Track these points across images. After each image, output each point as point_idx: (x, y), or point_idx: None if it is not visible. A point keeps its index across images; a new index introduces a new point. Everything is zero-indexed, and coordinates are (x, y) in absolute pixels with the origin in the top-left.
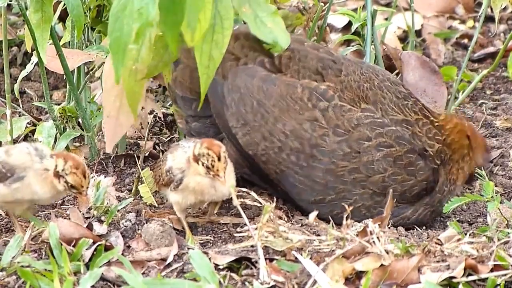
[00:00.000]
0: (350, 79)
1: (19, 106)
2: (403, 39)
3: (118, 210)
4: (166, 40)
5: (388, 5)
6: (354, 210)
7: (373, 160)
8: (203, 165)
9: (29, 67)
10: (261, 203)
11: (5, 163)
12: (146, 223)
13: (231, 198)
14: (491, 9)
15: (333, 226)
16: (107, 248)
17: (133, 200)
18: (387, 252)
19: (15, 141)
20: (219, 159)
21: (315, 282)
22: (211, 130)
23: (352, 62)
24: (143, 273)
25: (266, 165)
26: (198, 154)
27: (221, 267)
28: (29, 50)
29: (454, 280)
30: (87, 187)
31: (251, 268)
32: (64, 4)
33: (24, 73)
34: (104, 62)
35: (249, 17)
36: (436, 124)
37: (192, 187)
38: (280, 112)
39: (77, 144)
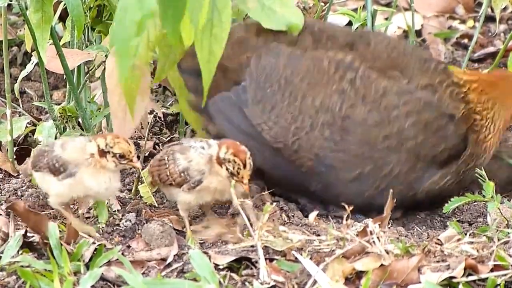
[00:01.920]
0: (378, 48)
1: (19, 106)
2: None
3: (119, 210)
4: (168, 37)
5: (388, 5)
6: (392, 179)
7: (403, 127)
8: (227, 170)
9: (29, 67)
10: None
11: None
12: (146, 223)
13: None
14: (491, 9)
15: (333, 226)
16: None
17: (133, 200)
18: (387, 252)
19: (15, 141)
20: (244, 166)
21: (315, 282)
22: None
23: (378, 34)
24: (143, 273)
25: (298, 154)
26: (223, 159)
27: (221, 267)
28: (29, 50)
29: (454, 280)
30: (135, 153)
31: (251, 268)
32: (64, 4)
33: (24, 73)
34: (104, 61)
35: (256, 11)
36: (461, 84)
37: (214, 187)
38: (308, 87)
39: None
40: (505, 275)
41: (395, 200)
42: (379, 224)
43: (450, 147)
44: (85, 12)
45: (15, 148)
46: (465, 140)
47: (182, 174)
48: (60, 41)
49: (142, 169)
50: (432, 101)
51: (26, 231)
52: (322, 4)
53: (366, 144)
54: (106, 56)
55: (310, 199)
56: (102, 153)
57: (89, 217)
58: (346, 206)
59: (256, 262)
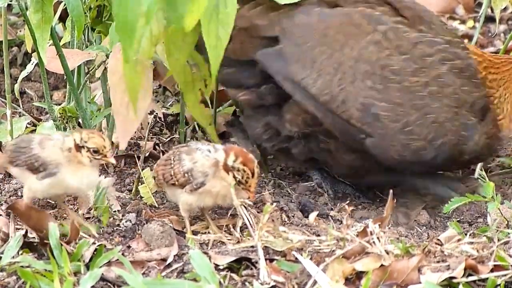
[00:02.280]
0: (404, 5)
1: (19, 106)
2: None
3: (119, 210)
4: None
5: None
6: (439, 127)
7: (440, 73)
8: (235, 178)
9: (29, 67)
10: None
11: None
12: (146, 223)
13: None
14: (491, 9)
15: (333, 226)
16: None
17: (134, 200)
18: (387, 252)
19: None
20: (253, 175)
21: (315, 282)
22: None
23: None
24: (143, 273)
25: (345, 105)
26: (232, 167)
27: (221, 267)
28: (29, 51)
29: (454, 281)
30: (110, 148)
31: (251, 269)
32: (64, 5)
33: (24, 73)
34: (104, 61)
35: None
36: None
37: (216, 191)
38: (345, 38)
39: None
40: (505, 275)
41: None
42: (379, 225)
43: (482, 96)
44: (85, 13)
45: None
46: (487, 101)
47: (186, 175)
48: (60, 41)
49: (142, 169)
50: (458, 52)
51: (26, 231)
52: None
53: (408, 92)
54: (107, 56)
55: (362, 158)
56: (78, 147)
57: (89, 217)
58: (347, 207)
59: (256, 262)
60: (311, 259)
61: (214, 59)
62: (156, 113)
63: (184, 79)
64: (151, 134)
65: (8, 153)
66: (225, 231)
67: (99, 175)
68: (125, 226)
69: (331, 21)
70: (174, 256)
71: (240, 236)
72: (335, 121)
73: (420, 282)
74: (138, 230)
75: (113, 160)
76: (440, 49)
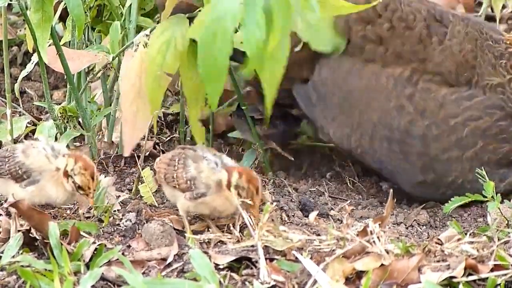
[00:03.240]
0: (453, 43)
1: (19, 105)
2: None
3: (119, 210)
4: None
5: None
6: (457, 186)
7: (462, 136)
8: (239, 195)
9: (29, 66)
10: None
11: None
12: (146, 223)
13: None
14: (491, 9)
15: (333, 226)
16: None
17: (134, 200)
18: (388, 252)
19: (15, 141)
20: (257, 193)
21: (315, 282)
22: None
23: (459, 20)
24: (143, 273)
25: (362, 156)
26: (236, 185)
27: (221, 266)
28: (30, 50)
29: (454, 280)
30: (94, 190)
31: (251, 268)
32: (65, 4)
33: (24, 72)
34: (108, 63)
35: (305, 32)
36: None
37: (215, 205)
38: (367, 103)
39: (78, 144)
40: (505, 275)
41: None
42: (379, 224)
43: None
44: (85, 12)
45: None
46: None
47: (189, 182)
48: (60, 41)
49: (142, 169)
50: (494, 103)
51: (26, 231)
52: None
53: (426, 157)
54: (113, 58)
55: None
56: (66, 173)
57: (89, 217)
58: (347, 207)
59: (256, 262)
60: (311, 258)
61: (269, 95)
62: (156, 113)
63: (194, 95)
64: (151, 134)
65: None
66: (225, 230)
67: (99, 175)
68: (125, 226)
69: (357, 82)
70: (174, 255)
71: (240, 235)
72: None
73: (420, 282)
74: (138, 229)
75: (90, 202)
76: (468, 106)
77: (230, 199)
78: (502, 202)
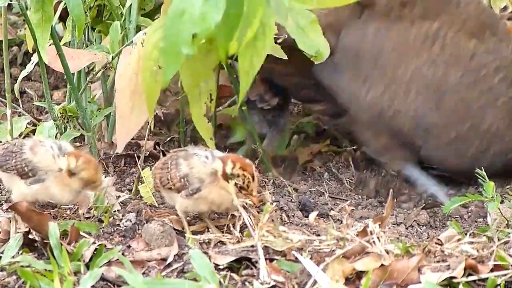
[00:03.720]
0: (469, 9)
1: (19, 106)
2: None
3: (119, 210)
4: (218, 48)
5: None
6: (492, 137)
7: (493, 85)
8: (236, 185)
9: (29, 67)
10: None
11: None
12: (146, 223)
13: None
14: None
15: (333, 226)
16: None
17: (134, 200)
18: (387, 252)
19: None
20: (253, 179)
21: (315, 282)
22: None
23: None
24: (143, 273)
25: (395, 120)
26: (231, 174)
27: (221, 267)
28: (30, 50)
29: (454, 280)
30: (101, 181)
31: (251, 268)
32: (65, 4)
33: (24, 73)
34: (107, 62)
35: (292, 30)
36: None
37: (211, 198)
38: (398, 60)
39: (78, 144)
40: (505, 275)
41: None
42: (379, 224)
43: None
44: (85, 12)
45: None
46: None
47: (182, 180)
48: (60, 41)
49: (142, 169)
50: None
51: (26, 232)
52: None
53: (460, 106)
54: (113, 58)
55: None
56: (70, 173)
57: (89, 217)
58: (347, 207)
59: (256, 262)
60: (311, 258)
61: (244, 83)
62: (156, 113)
63: (196, 92)
64: (151, 134)
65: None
66: (225, 231)
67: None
68: (125, 226)
69: (386, 40)
70: (174, 255)
71: (240, 236)
72: (389, 129)
73: (420, 282)
74: (138, 229)
75: (100, 190)
76: (496, 58)
77: (226, 189)
78: (502, 202)
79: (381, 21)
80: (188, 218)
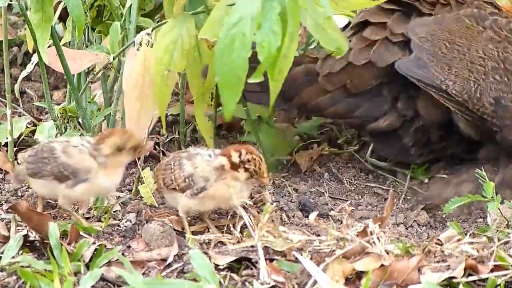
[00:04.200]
0: None
1: (19, 106)
2: None
3: (119, 210)
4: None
5: None
6: None
7: None
8: (247, 171)
9: (30, 67)
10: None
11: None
12: (146, 223)
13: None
14: None
15: (333, 226)
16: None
17: (134, 200)
18: (387, 252)
19: (15, 141)
20: (261, 160)
21: (315, 282)
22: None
23: None
24: (143, 273)
25: (480, 102)
26: (242, 161)
27: (221, 267)
28: (30, 51)
29: (454, 280)
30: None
31: (251, 268)
32: (64, 4)
33: (24, 73)
34: (108, 63)
35: (313, 29)
36: None
37: (219, 195)
38: (468, 41)
39: None
40: (505, 275)
41: None
42: (379, 225)
43: None
44: (85, 12)
45: (15, 148)
46: None
47: (187, 180)
48: (60, 41)
49: (142, 169)
50: None
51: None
52: None
53: None
54: (113, 58)
55: (489, 152)
56: (119, 149)
57: (89, 217)
58: (347, 207)
59: (256, 262)
60: (311, 259)
61: (273, 90)
62: (156, 113)
63: (198, 91)
64: (151, 135)
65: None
66: (225, 231)
67: None
68: (125, 226)
69: (451, 28)
70: (174, 256)
71: (240, 236)
72: (473, 118)
73: (420, 282)
74: (138, 230)
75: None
76: None
77: (238, 178)
78: (502, 202)
79: (444, 12)
80: (188, 218)
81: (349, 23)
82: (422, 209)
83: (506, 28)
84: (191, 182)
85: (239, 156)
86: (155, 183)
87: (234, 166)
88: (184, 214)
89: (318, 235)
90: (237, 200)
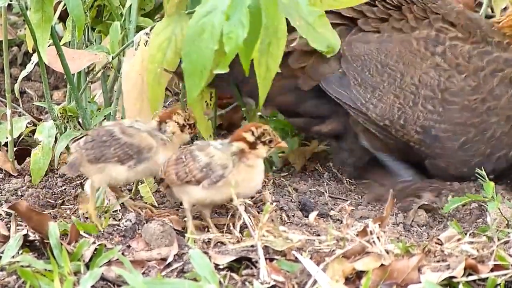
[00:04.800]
0: (454, 6)
1: (19, 106)
2: None
3: (119, 210)
4: (242, 59)
5: None
6: (496, 142)
7: (493, 86)
8: (265, 144)
9: (29, 67)
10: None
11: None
12: (146, 223)
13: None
14: (491, 9)
15: (333, 226)
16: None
17: (134, 200)
18: (387, 252)
19: (15, 141)
20: (271, 129)
21: (315, 282)
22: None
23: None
24: (143, 273)
25: (404, 129)
26: (257, 138)
27: (221, 267)
28: (30, 51)
29: (454, 280)
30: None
31: (251, 268)
32: (64, 4)
33: (24, 73)
34: (107, 63)
35: (303, 29)
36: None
37: (241, 179)
38: (405, 67)
39: None
40: (505, 275)
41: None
42: (379, 224)
43: None
44: (85, 12)
45: (15, 148)
46: None
47: (204, 170)
48: (60, 41)
49: None
50: (508, 58)
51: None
52: None
53: (467, 110)
54: (113, 58)
55: (420, 174)
56: (182, 127)
57: (88, 217)
58: (347, 207)
59: (256, 262)
60: (311, 258)
61: (263, 88)
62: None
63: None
64: None
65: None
66: (225, 231)
67: None
68: (125, 226)
69: (390, 50)
70: (174, 255)
71: (240, 236)
72: (396, 143)
73: (420, 282)
74: (138, 229)
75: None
76: (491, 59)
77: (261, 155)
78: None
79: (382, 31)
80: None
81: None
82: (419, 207)
83: (465, 56)
84: (210, 171)
85: (252, 134)
86: (161, 180)
87: (252, 145)
88: (190, 212)
89: (318, 235)
90: (237, 200)
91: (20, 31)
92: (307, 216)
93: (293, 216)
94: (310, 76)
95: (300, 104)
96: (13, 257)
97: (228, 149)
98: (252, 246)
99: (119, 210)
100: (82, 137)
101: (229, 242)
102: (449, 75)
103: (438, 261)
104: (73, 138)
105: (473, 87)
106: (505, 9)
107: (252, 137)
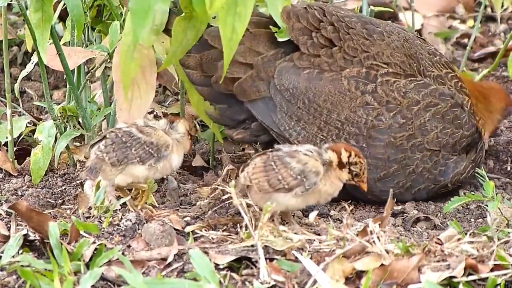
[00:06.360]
0: (393, 39)
1: (19, 105)
2: None
3: (119, 210)
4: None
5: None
6: (417, 176)
7: (424, 121)
8: (350, 172)
9: (29, 66)
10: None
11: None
12: (146, 222)
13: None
14: (491, 8)
15: (333, 226)
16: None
17: (134, 200)
18: (388, 252)
19: (15, 141)
20: (365, 167)
21: (315, 281)
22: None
23: (384, 23)
24: (143, 273)
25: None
26: (350, 162)
27: (221, 266)
28: (29, 50)
29: (454, 280)
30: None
31: (251, 268)
32: (64, 4)
33: (24, 72)
34: (105, 61)
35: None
36: (458, 77)
37: (325, 190)
38: (332, 106)
39: (78, 143)
40: (505, 274)
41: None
42: (379, 224)
43: (467, 135)
44: (85, 12)
45: (15, 148)
46: (478, 129)
47: (299, 177)
48: (60, 40)
49: None
50: (444, 91)
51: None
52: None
53: (391, 148)
54: (110, 55)
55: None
56: (189, 133)
57: (88, 217)
58: (347, 206)
59: (256, 261)
60: (311, 258)
61: (227, 51)
62: (156, 112)
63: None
64: None
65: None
66: (225, 230)
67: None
68: (125, 226)
69: (319, 88)
70: (174, 255)
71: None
72: None
73: (420, 282)
74: (138, 229)
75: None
76: (426, 93)
77: (341, 177)
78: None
79: (311, 68)
80: (187, 218)
81: None
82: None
83: (400, 90)
84: (304, 178)
85: (348, 157)
86: (248, 186)
87: (341, 165)
88: (277, 215)
89: (318, 235)
90: (237, 200)
91: (20, 31)
92: (307, 216)
93: (293, 216)
94: (237, 95)
95: (215, 103)
96: (13, 257)
97: (320, 155)
98: (252, 245)
99: (119, 210)
100: (99, 141)
101: (229, 242)
102: (378, 114)
103: (438, 261)
104: (73, 138)
105: (401, 124)
106: (505, 8)
107: (346, 158)
